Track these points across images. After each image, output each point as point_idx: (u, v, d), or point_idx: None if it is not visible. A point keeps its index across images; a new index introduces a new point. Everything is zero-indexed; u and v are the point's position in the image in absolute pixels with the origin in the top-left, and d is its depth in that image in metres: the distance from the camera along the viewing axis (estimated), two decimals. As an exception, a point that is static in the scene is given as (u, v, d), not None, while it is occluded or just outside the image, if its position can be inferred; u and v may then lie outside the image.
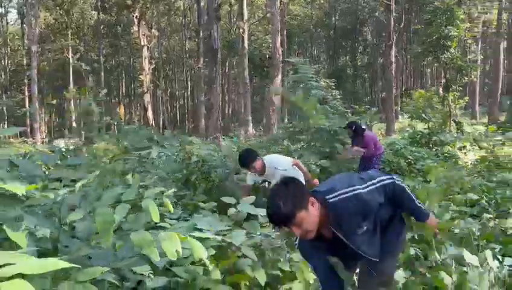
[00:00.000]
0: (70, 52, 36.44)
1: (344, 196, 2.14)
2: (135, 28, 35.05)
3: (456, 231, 4.16)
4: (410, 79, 49.61)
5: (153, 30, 37.27)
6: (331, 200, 2.14)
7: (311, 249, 2.31)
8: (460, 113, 26.51)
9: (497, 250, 3.83)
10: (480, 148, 11.94)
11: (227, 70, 43.37)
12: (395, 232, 2.42)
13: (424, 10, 35.39)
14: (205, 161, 5.27)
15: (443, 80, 23.07)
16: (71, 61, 34.92)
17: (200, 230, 2.77)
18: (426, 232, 3.15)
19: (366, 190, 2.17)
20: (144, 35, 34.04)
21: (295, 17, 40.24)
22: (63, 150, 7.53)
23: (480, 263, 2.82)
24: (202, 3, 25.12)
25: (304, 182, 4.62)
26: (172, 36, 47.31)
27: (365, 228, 2.20)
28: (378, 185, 2.21)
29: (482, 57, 31.04)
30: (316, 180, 4.90)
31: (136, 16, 33.95)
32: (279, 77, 16.15)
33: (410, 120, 12.28)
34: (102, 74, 39.05)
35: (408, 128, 12.96)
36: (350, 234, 2.19)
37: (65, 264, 1.02)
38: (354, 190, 2.15)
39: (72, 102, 37.11)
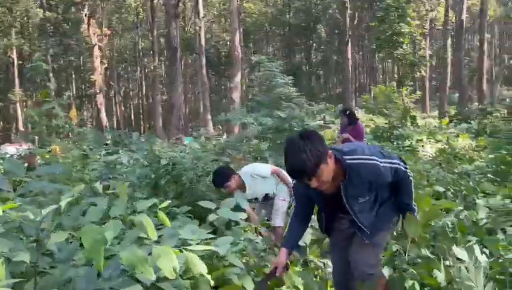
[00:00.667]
0: (14, 52, 34.51)
1: (362, 161, 2.22)
2: (85, 27, 33.71)
3: (431, 223, 4.21)
4: (363, 75, 50.99)
5: (104, 28, 35.97)
6: (348, 161, 2.20)
7: (305, 188, 2.31)
8: (413, 107, 27.47)
9: (473, 242, 3.90)
10: (436, 141, 12.39)
11: (183, 69, 42.69)
12: (389, 212, 2.51)
13: (374, 7, 36.42)
14: (175, 163, 5.04)
15: (395, 76, 23.85)
16: (16, 62, 33.09)
17: (185, 240, 2.59)
18: (410, 229, 3.12)
19: (382, 164, 2.23)
20: (94, 34, 32.81)
21: (250, 15, 40.21)
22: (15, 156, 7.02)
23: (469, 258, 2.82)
24: (155, 1, 24.54)
25: (286, 195, 4.45)
26: (124, 35, 45.95)
27: (367, 198, 2.31)
28: (393, 165, 2.29)
29: (430, 52, 32.31)
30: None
31: (86, 14, 32.65)
32: (239, 75, 16.01)
33: (371, 115, 12.54)
34: (51, 74, 37.27)
35: (368, 124, 13.23)
36: (352, 198, 2.30)
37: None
38: (372, 160, 2.23)
39: (18, 104, 35.25)
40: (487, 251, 3.57)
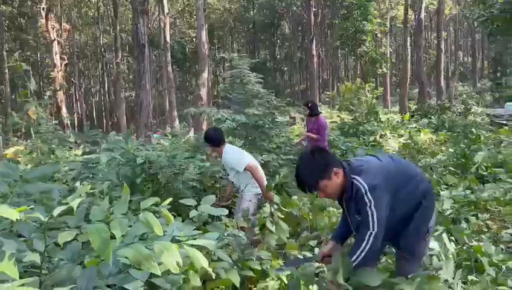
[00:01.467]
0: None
1: (356, 182, 2.36)
2: (42, 21, 32.47)
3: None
4: (327, 72, 51.81)
5: (63, 23, 34.80)
6: (353, 181, 2.36)
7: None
8: (375, 103, 28.28)
9: (440, 232, 4.15)
10: (399, 135, 12.86)
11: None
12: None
13: (337, 5, 37.09)
14: (151, 162, 5.04)
15: (358, 72, 24.47)
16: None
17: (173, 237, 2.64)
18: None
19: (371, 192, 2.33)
20: (53, 28, 31.67)
21: (214, 11, 40.02)
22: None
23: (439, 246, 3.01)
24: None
25: (252, 197, 4.45)
26: (84, 30, 44.63)
27: (358, 219, 2.40)
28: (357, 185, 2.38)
29: (391, 50, 33.30)
30: (270, 194, 4.35)
31: (43, 8, 31.45)
32: (206, 71, 15.97)
33: (337, 111, 12.83)
34: (7, 71, 35.70)
35: (336, 120, 13.56)
36: (352, 215, 2.45)
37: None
38: (358, 181, 2.36)
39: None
40: (454, 239, 3.83)
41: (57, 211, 1.39)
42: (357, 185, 2.32)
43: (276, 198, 4.10)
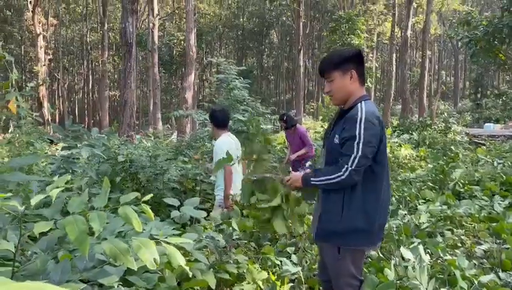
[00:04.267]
0: None
1: (366, 109, 2.27)
2: (29, 15, 31.99)
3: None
4: (312, 83, 52.25)
5: (50, 18, 34.33)
6: (360, 103, 2.31)
7: None
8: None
9: (415, 244, 4.21)
10: (381, 149, 13.00)
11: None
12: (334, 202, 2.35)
13: (326, 18, 37.54)
14: (133, 161, 5.00)
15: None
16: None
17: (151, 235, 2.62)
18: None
19: (365, 122, 2.22)
20: (39, 22, 31.21)
21: (204, 16, 40.06)
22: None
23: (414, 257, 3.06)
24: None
25: (221, 202, 4.14)
26: (71, 26, 44.12)
27: (337, 142, 2.28)
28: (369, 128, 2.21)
29: (376, 65, 33.80)
30: (229, 203, 4.09)
31: (31, 2, 30.99)
32: (193, 74, 15.94)
33: (322, 122, 12.91)
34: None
35: (317, 130, 13.66)
36: (333, 134, 2.36)
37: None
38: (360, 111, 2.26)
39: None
40: (429, 252, 3.89)
41: (35, 200, 1.36)
42: (357, 109, 2.26)
43: (236, 211, 3.73)
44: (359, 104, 2.30)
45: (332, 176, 2.22)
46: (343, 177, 2.19)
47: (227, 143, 4.14)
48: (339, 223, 2.27)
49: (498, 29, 13.24)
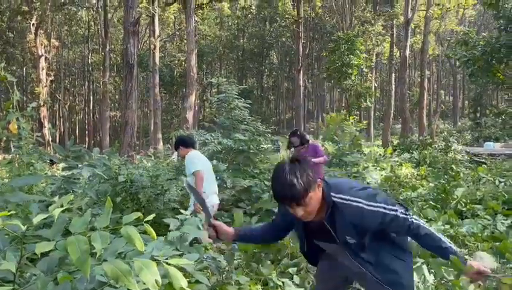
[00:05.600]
0: (-49, 58, 32.42)
1: (346, 202, 2.06)
2: (31, 37, 32.39)
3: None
4: (312, 103, 52.57)
5: (52, 40, 34.76)
6: (334, 198, 2.06)
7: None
8: (359, 135, 28.72)
9: (419, 264, 4.16)
10: (381, 168, 13.01)
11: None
12: (392, 265, 2.21)
13: (325, 39, 38.00)
14: (133, 181, 4.99)
15: (343, 104, 24.93)
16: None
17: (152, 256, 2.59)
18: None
19: (368, 207, 2.05)
20: (41, 44, 31.61)
21: (205, 37, 40.56)
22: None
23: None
24: (109, 15, 24.18)
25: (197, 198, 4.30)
26: (73, 48, 44.63)
27: (355, 241, 2.11)
28: (385, 211, 2.07)
29: (376, 84, 34.07)
30: (198, 209, 4.12)
31: (33, 24, 31.44)
32: (193, 95, 16.05)
33: (320, 141, 12.95)
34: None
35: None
36: (341, 235, 2.13)
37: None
38: (358, 202, 2.06)
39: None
40: (433, 272, 3.84)
41: (36, 219, 1.36)
42: (349, 205, 2.06)
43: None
44: (339, 199, 2.07)
45: (439, 235, 2.15)
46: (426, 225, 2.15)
47: (197, 155, 4.96)
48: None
49: (496, 48, 13.38)
